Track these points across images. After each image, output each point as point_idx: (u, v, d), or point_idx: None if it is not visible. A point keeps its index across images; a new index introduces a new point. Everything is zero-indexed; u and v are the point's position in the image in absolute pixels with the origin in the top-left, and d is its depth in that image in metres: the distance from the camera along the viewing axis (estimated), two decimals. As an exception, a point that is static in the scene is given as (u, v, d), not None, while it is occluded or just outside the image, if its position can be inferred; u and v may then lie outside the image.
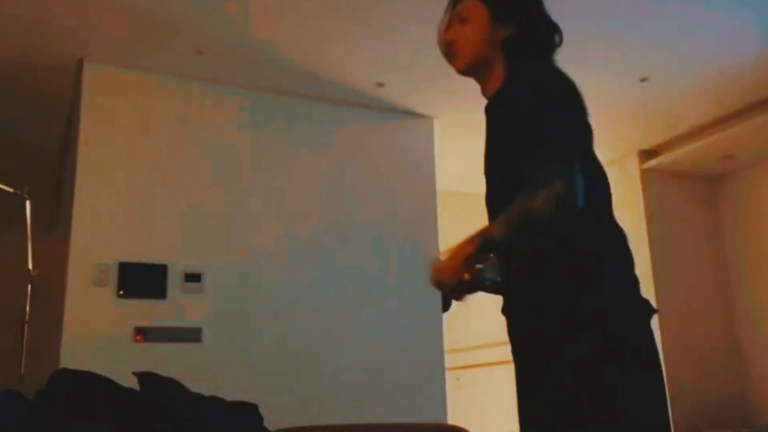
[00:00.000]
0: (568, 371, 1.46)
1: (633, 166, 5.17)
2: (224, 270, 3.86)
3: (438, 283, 1.61)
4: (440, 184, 4.59)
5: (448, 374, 4.40)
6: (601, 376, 1.44)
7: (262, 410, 2.86)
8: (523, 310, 1.62)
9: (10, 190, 3.76)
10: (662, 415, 1.50)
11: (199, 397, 2.69)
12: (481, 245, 1.49)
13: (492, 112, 1.70)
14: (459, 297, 1.68)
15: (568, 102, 1.54)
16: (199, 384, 2.73)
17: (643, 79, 4.09)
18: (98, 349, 3.42)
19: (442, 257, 1.60)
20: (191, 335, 3.68)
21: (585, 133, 1.57)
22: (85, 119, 3.75)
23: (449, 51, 1.76)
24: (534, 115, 1.49)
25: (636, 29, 3.63)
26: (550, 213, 1.42)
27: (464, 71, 1.75)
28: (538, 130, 1.48)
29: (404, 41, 3.73)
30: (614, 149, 5.08)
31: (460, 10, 1.75)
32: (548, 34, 1.71)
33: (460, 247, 1.52)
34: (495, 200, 1.66)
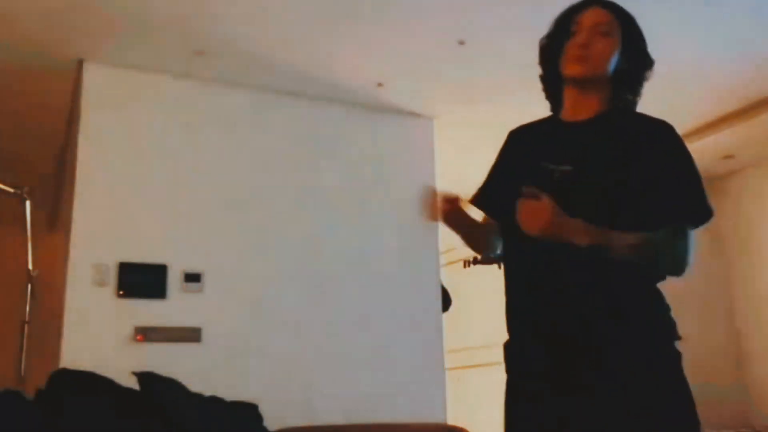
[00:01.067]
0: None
1: (633, 166, 5.17)
2: (224, 270, 3.86)
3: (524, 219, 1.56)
4: (440, 184, 4.59)
5: (448, 374, 4.41)
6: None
7: (262, 410, 2.86)
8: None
9: (10, 190, 3.75)
10: None
11: (199, 397, 2.69)
12: (595, 241, 1.53)
13: (596, 132, 1.71)
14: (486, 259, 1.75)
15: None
16: (199, 384, 2.73)
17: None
18: (98, 349, 3.42)
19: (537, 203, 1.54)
20: (191, 335, 3.68)
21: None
22: (85, 119, 3.75)
23: (578, 54, 1.72)
24: (686, 171, 1.67)
25: (636, 29, 3.63)
26: (670, 271, 1.64)
27: (581, 80, 1.74)
28: (687, 181, 1.66)
29: (404, 41, 3.73)
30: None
31: (601, 20, 1.75)
32: (648, 74, 1.78)
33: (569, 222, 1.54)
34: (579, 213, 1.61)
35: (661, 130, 1.70)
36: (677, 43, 3.79)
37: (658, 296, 1.67)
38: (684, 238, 1.60)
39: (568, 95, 1.76)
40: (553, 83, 1.80)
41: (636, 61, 1.75)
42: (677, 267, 1.60)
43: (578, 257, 1.55)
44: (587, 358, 1.55)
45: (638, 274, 1.60)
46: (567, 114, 1.77)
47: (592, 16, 1.74)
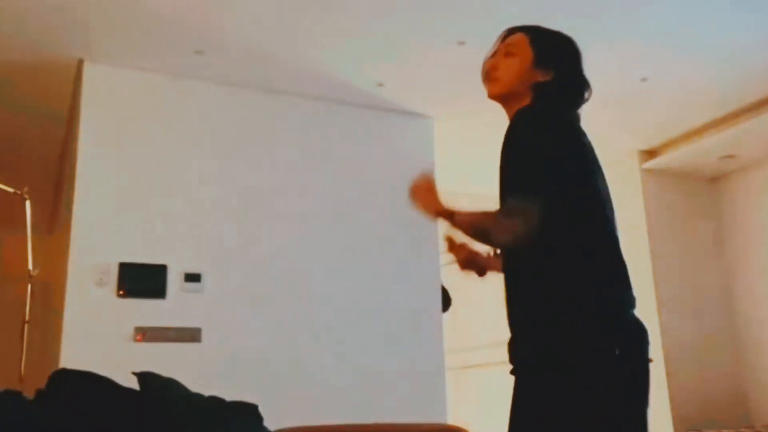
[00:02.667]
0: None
1: (633, 166, 5.17)
2: (224, 270, 3.86)
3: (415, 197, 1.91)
4: (440, 184, 4.58)
5: (448, 374, 4.40)
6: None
7: (262, 410, 2.86)
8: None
9: (10, 190, 3.76)
10: None
11: (199, 397, 2.69)
12: (440, 215, 1.82)
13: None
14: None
15: (543, 141, 1.70)
16: (199, 384, 2.73)
17: (643, 79, 4.09)
18: (98, 349, 3.41)
19: (423, 182, 1.94)
20: (191, 335, 3.68)
21: (566, 181, 1.69)
22: (85, 119, 3.75)
23: (488, 76, 1.91)
24: (522, 149, 1.70)
25: (636, 29, 3.63)
26: (503, 242, 1.77)
27: (495, 98, 1.91)
28: (521, 164, 1.69)
29: (404, 41, 3.73)
30: (614, 149, 5.08)
31: (508, 42, 1.91)
32: (579, 90, 1.88)
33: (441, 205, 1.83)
34: None
35: (511, 122, 1.80)
36: (677, 43, 3.79)
37: (567, 312, 1.65)
38: (505, 213, 1.70)
39: (508, 113, 1.91)
40: None
41: (554, 73, 1.84)
42: (502, 239, 1.74)
43: (509, 274, 1.79)
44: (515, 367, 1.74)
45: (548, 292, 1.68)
46: None
47: (506, 42, 1.92)
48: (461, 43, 3.67)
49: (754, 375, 5.04)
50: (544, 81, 1.83)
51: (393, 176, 4.43)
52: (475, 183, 5.63)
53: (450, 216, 1.79)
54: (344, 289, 4.11)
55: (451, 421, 3.97)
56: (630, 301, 1.68)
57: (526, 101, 1.83)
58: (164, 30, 3.56)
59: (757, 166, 5.18)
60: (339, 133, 4.37)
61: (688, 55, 3.92)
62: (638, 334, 1.65)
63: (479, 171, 5.37)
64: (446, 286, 4.56)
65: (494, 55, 1.92)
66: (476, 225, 1.75)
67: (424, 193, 1.88)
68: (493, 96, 1.91)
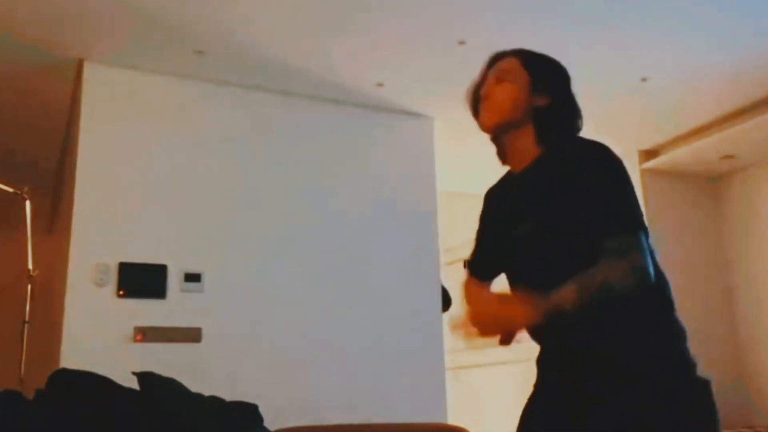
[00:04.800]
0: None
1: (633, 166, 5.17)
2: (224, 270, 3.86)
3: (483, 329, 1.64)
4: (440, 184, 4.59)
5: (448, 374, 4.40)
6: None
7: (262, 410, 2.87)
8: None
9: (10, 190, 3.76)
10: None
11: (199, 397, 2.69)
12: (548, 314, 1.50)
13: (538, 178, 1.71)
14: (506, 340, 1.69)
15: (627, 179, 1.65)
16: (199, 384, 2.73)
17: (643, 79, 4.09)
18: (98, 349, 3.41)
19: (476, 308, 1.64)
20: (191, 335, 3.68)
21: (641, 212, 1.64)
22: (85, 119, 3.75)
23: (481, 106, 1.78)
24: (605, 190, 1.60)
25: (636, 29, 3.63)
26: (631, 286, 1.51)
27: (490, 128, 1.78)
28: (611, 205, 1.58)
29: (404, 41, 3.73)
30: (614, 149, 5.07)
31: (500, 68, 1.78)
32: (577, 114, 1.77)
33: (515, 308, 1.57)
34: (537, 265, 1.69)
35: (584, 157, 1.66)
36: (677, 43, 3.79)
37: (666, 336, 1.63)
38: (618, 253, 1.52)
39: (504, 145, 1.79)
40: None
41: (551, 98, 1.74)
42: (629, 283, 1.52)
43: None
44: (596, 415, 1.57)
45: (633, 322, 1.58)
46: (512, 164, 1.80)
47: (496, 68, 1.79)
48: (461, 43, 3.67)
49: (754, 375, 5.04)
50: (542, 106, 1.72)
51: (393, 176, 4.44)
52: (476, 183, 5.63)
53: (552, 304, 1.52)
54: (344, 289, 4.11)
55: (451, 421, 3.97)
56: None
57: (527, 129, 1.73)
58: (164, 30, 3.56)
59: (757, 166, 5.18)
60: (339, 133, 4.37)
61: (688, 55, 3.92)
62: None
63: (479, 171, 5.37)
64: (446, 286, 4.56)
65: (483, 83, 1.79)
66: (591, 287, 1.50)
67: (493, 322, 1.63)
68: (488, 127, 1.77)
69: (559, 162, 1.67)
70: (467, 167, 5.12)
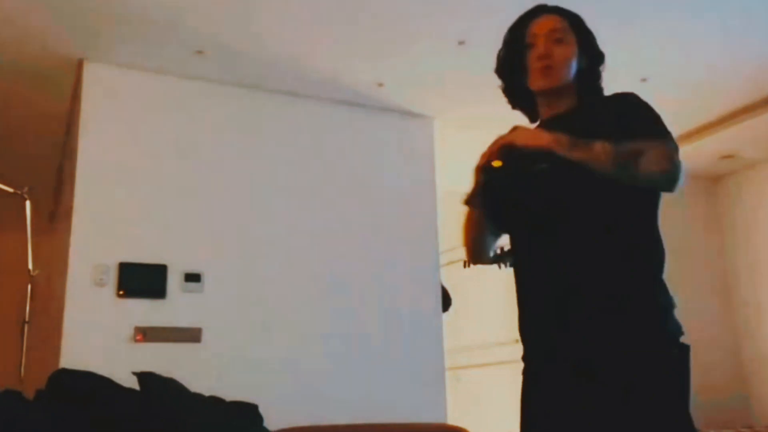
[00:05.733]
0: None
1: (633, 166, 5.16)
2: (224, 270, 3.86)
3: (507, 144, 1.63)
4: (440, 184, 4.59)
5: (448, 374, 4.40)
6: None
7: (262, 410, 2.86)
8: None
9: (10, 190, 3.76)
10: None
11: (199, 397, 2.69)
12: (574, 147, 1.55)
13: (568, 121, 1.73)
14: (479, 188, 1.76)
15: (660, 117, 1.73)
16: (199, 384, 2.73)
17: (643, 79, 4.09)
18: (98, 349, 3.41)
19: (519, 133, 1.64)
20: (191, 335, 3.68)
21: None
22: (85, 119, 3.75)
23: (539, 64, 1.76)
24: (641, 116, 1.70)
25: (636, 29, 3.63)
26: (661, 172, 1.59)
27: (552, 91, 1.78)
28: (649, 126, 1.67)
29: (404, 41, 3.73)
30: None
31: (553, 27, 1.78)
32: (601, 68, 1.85)
33: (549, 136, 1.59)
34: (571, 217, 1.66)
35: (621, 97, 1.76)
36: (677, 43, 3.79)
37: (660, 291, 1.66)
38: (658, 143, 1.61)
39: (541, 103, 1.82)
40: (520, 94, 1.85)
41: (591, 59, 1.81)
42: (662, 167, 1.59)
43: (575, 252, 1.60)
44: (588, 362, 1.56)
45: (638, 266, 1.62)
46: (544, 113, 1.83)
47: (545, 25, 1.78)
48: (461, 43, 3.67)
49: (754, 375, 5.04)
50: (586, 67, 1.79)
51: (393, 176, 4.44)
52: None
53: (572, 143, 1.57)
54: (344, 289, 4.11)
55: (451, 421, 3.97)
56: None
57: (571, 89, 1.77)
58: (164, 30, 3.56)
59: (757, 166, 5.18)
60: (339, 134, 4.37)
61: (688, 55, 3.92)
62: None
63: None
64: (446, 286, 4.56)
65: (537, 43, 1.76)
66: (626, 153, 1.54)
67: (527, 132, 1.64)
68: (550, 88, 1.76)
69: (591, 109, 1.75)
70: (467, 167, 5.12)
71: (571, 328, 1.59)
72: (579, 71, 1.77)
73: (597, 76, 1.83)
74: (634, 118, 1.67)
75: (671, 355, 1.56)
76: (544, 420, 1.63)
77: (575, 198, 1.62)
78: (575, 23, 1.81)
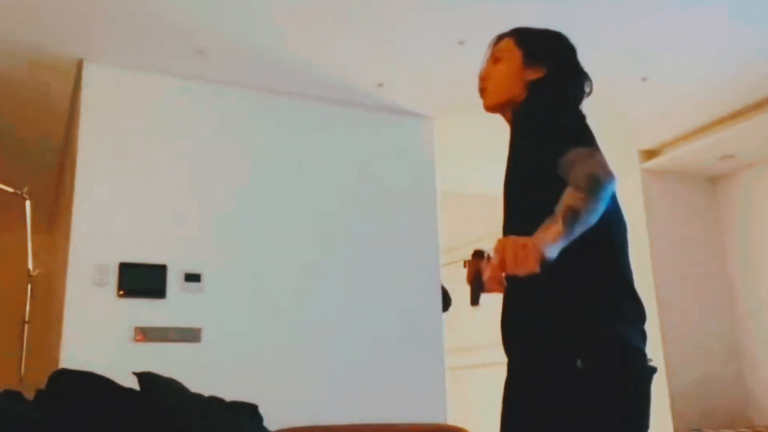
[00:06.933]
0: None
1: (633, 166, 5.17)
2: (224, 270, 3.86)
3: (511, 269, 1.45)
4: (440, 184, 4.59)
5: (448, 374, 4.40)
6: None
7: (262, 410, 2.86)
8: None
9: (10, 190, 3.76)
10: None
11: (199, 397, 2.69)
12: (567, 225, 1.43)
13: (513, 130, 1.75)
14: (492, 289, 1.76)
15: (564, 114, 1.66)
16: (199, 384, 2.73)
17: (643, 79, 4.09)
18: (98, 349, 3.41)
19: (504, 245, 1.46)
20: (191, 335, 3.68)
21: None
22: (85, 119, 3.75)
23: (481, 88, 1.83)
24: (556, 121, 1.61)
25: (636, 29, 3.63)
26: (606, 174, 1.47)
27: (491, 110, 1.82)
28: (560, 133, 1.58)
29: (404, 41, 3.73)
30: (614, 149, 5.08)
31: (495, 49, 1.84)
32: (576, 81, 1.79)
33: (538, 237, 1.44)
34: (516, 217, 1.70)
35: (527, 104, 1.71)
36: (677, 43, 3.79)
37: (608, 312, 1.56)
38: (582, 153, 1.51)
39: (507, 123, 1.84)
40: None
41: (546, 69, 1.77)
42: (607, 171, 1.49)
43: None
44: (519, 371, 1.66)
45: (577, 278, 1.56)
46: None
47: (494, 50, 1.85)
48: (461, 43, 3.68)
49: (754, 375, 5.04)
50: (537, 78, 1.75)
51: (393, 176, 4.44)
52: (475, 183, 5.64)
53: (565, 216, 1.48)
54: (344, 289, 4.11)
55: (451, 421, 3.97)
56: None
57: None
58: (164, 30, 3.56)
59: (757, 166, 5.18)
60: (339, 134, 4.37)
61: (688, 55, 3.92)
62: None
63: (479, 171, 5.38)
64: (446, 286, 4.56)
65: (485, 65, 1.86)
66: (583, 183, 1.45)
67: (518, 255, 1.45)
68: (488, 107, 1.82)
69: (520, 113, 1.73)
70: (467, 167, 5.12)
71: (509, 328, 1.71)
72: (532, 84, 1.75)
73: (559, 85, 1.76)
74: (534, 138, 1.63)
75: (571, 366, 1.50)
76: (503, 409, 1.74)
77: (519, 192, 1.66)
78: (522, 39, 1.81)
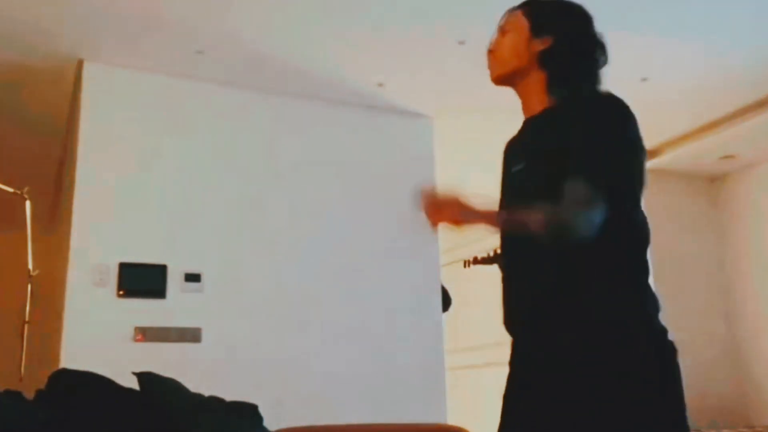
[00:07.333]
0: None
1: (633, 166, 5.16)
2: (224, 270, 3.86)
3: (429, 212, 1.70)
4: (440, 184, 4.59)
5: (448, 374, 4.40)
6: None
7: (262, 410, 2.86)
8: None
9: (10, 190, 3.76)
10: None
11: (199, 397, 2.69)
12: (507, 224, 1.56)
13: (540, 128, 1.69)
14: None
15: (618, 132, 1.65)
16: (199, 384, 2.73)
17: (643, 79, 4.09)
18: (98, 349, 3.41)
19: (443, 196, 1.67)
20: (191, 335, 3.68)
21: (631, 174, 1.62)
22: (85, 119, 3.75)
23: (488, 58, 1.80)
24: (582, 137, 1.55)
25: (636, 29, 3.63)
26: (572, 232, 1.47)
27: (497, 81, 1.78)
28: (582, 152, 1.53)
29: (404, 41, 3.73)
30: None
31: (503, 22, 1.81)
32: (588, 50, 1.74)
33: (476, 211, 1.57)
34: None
35: (582, 104, 1.63)
36: (677, 43, 3.79)
37: (623, 285, 1.55)
38: (574, 202, 1.47)
39: (519, 95, 1.79)
40: None
41: (553, 39, 1.71)
42: (560, 232, 1.47)
43: (530, 252, 1.56)
44: (538, 359, 1.58)
45: (595, 272, 1.53)
46: (526, 112, 1.78)
47: (502, 23, 1.82)
48: (461, 43, 3.67)
49: (754, 375, 5.04)
50: (545, 48, 1.69)
51: (393, 176, 4.43)
52: (475, 183, 5.63)
53: (486, 219, 1.59)
54: (344, 289, 4.11)
55: (451, 421, 3.97)
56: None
57: (536, 76, 1.70)
58: (164, 30, 3.56)
59: (757, 166, 5.18)
60: (339, 134, 4.37)
61: (688, 55, 3.92)
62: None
63: (479, 171, 5.37)
64: (446, 286, 4.56)
65: (494, 38, 1.83)
66: (548, 221, 1.47)
67: (440, 208, 1.66)
68: (494, 79, 1.78)
69: (562, 111, 1.64)
70: (467, 167, 5.11)
71: (517, 326, 1.66)
72: (540, 54, 1.69)
73: (568, 55, 1.71)
74: (570, 141, 1.55)
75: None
76: (506, 409, 1.70)
77: (540, 196, 1.56)
78: (529, 10, 1.78)
